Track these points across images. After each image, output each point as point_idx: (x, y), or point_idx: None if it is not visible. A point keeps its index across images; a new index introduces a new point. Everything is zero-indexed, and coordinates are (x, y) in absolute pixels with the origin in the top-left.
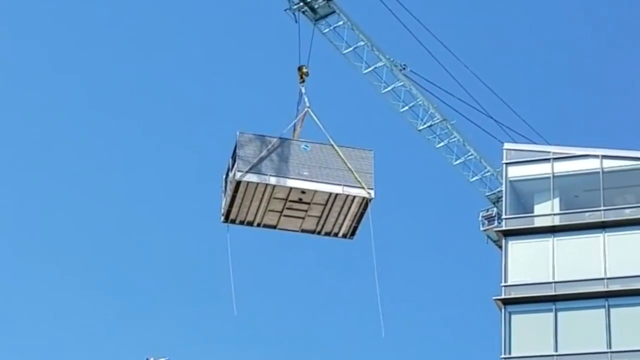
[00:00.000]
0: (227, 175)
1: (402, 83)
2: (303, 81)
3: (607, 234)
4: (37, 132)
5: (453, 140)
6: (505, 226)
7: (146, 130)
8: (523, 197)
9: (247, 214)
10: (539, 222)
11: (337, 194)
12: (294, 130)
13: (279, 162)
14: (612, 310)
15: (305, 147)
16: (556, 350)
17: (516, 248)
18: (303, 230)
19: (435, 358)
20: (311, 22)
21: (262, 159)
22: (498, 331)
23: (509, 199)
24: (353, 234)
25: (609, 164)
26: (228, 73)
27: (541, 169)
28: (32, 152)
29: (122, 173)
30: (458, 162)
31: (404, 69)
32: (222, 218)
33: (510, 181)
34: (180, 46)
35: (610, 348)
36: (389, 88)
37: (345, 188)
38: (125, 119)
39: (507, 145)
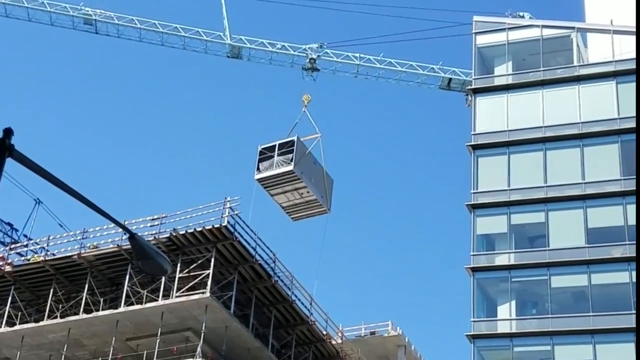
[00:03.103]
0: (267, 148)
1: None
2: (306, 106)
3: (545, 90)
4: None
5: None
6: (474, 85)
7: None
8: (487, 60)
9: (271, 182)
10: (497, 82)
11: (316, 199)
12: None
13: (305, 166)
14: (548, 152)
15: (314, 163)
16: (509, 185)
17: (481, 103)
18: (282, 205)
19: (421, 195)
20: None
21: (300, 160)
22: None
23: (476, 63)
24: (297, 220)
25: (547, 32)
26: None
27: (499, 37)
28: None
29: None
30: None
31: (321, 46)
32: (257, 177)
33: (478, 48)
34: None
35: (546, 183)
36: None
37: (321, 199)
38: None
39: (475, 18)
